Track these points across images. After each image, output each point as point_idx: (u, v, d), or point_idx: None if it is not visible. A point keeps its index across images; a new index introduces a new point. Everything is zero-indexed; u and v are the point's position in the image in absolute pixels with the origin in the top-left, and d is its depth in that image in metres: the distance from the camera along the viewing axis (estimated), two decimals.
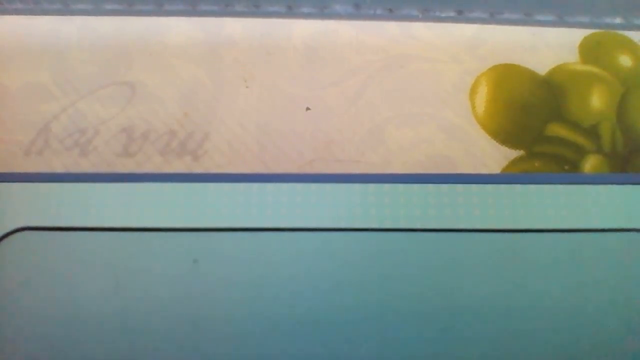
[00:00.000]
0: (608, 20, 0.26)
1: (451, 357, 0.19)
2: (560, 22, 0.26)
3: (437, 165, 0.23)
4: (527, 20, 0.26)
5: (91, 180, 0.21)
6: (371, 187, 0.21)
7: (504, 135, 0.24)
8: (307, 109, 0.24)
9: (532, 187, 0.21)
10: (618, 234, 0.21)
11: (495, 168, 0.23)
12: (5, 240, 0.20)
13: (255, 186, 0.21)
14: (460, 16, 0.26)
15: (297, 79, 0.24)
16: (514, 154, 0.23)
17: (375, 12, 0.26)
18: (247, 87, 0.24)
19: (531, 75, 0.25)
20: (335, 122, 0.24)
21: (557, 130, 0.24)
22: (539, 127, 0.24)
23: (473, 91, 0.24)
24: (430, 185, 0.21)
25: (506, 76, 0.25)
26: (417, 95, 0.24)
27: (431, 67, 0.25)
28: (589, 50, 0.25)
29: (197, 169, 0.23)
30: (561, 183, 0.21)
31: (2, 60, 0.24)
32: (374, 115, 0.24)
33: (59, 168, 0.22)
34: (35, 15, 0.25)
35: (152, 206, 0.20)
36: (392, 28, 0.25)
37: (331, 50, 0.25)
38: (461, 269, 0.20)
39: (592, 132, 0.24)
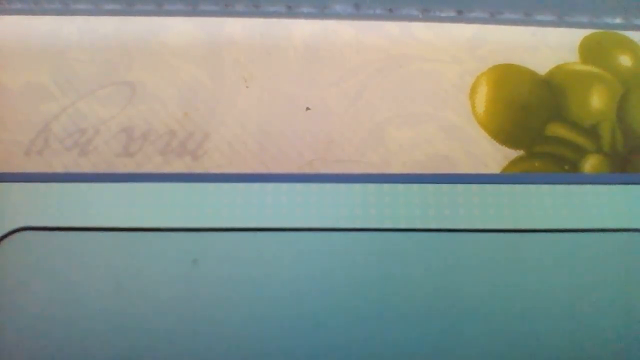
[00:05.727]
0: (608, 20, 0.26)
1: (451, 357, 0.19)
2: (560, 22, 0.26)
3: (437, 165, 0.23)
4: (527, 20, 0.26)
5: (91, 180, 0.21)
6: (371, 187, 0.21)
7: (504, 135, 0.24)
8: (307, 109, 0.24)
9: (532, 187, 0.21)
10: (618, 234, 0.21)
11: (495, 168, 0.23)
12: (5, 240, 0.20)
13: (255, 186, 0.21)
14: (460, 16, 0.26)
15: (297, 79, 0.24)
16: (514, 154, 0.23)
17: (375, 12, 0.26)
18: (247, 87, 0.24)
19: (531, 75, 0.25)
20: (335, 122, 0.24)
21: (557, 130, 0.24)
22: (539, 127, 0.24)
23: (473, 91, 0.24)
24: (430, 185, 0.21)
25: (506, 76, 0.25)
26: (417, 95, 0.24)
27: (431, 67, 0.25)
28: (589, 50, 0.25)
29: (197, 169, 0.23)
30: (561, 183, 0.21)
31: (2, 60, 0.24)
32: (374, 115, 0.24)
33: (59, 168, 0.22)
34: (36, 15, 0.25)
35: (152, 206, 0.20)
36: (392, 28, 0.25)
37: (331, 50, 0.25)
38: (461, 269, 0.20)
39: (592, 132, 0.24)
